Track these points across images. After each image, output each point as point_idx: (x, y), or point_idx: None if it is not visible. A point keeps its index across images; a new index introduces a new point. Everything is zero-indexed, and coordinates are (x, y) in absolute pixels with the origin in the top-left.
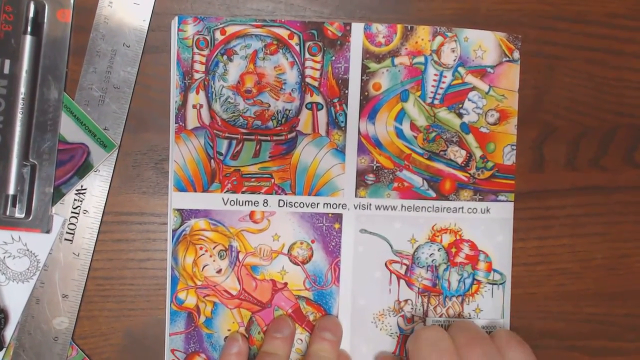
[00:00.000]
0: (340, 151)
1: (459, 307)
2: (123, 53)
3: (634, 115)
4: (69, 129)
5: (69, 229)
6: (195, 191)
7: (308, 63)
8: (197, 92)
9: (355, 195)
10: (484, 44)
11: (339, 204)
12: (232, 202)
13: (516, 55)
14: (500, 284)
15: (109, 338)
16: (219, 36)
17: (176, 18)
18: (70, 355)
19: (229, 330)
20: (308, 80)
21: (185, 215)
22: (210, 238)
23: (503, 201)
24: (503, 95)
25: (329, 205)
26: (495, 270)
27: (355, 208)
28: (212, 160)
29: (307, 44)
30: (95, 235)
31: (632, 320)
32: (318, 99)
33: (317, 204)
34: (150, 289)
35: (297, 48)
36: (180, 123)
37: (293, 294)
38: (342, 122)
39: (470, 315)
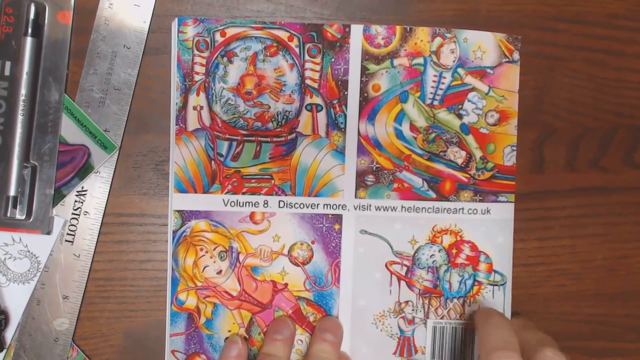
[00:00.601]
0: (340, 152)
1: (460, 308)
2: (123, 55)
3: (634, 116)
4: (69, 131)
5: (70, 230)
6: (196, 192)
7: (308, 65)
8: (198, 94)
9: (355, 196)
10: (483, 44)
11: (339, 205)
12: (233, 203)
13: (516, 56)
14: (501, 284)
15: (110, 339)
16: (219, 38)
17: (176, 20)
18: (70, 356)
19: (229, 331)
20: (308, 81)
21: (185, 216)
22: (210, 239)
23: (503, 202)
24: (503, 96)
25: (329, 206)
26: (495, 271)
27: (355, 209)
28: (213, 162)
29: (307, 45)
30: (96, 236)
31: (632, 321)
32: (318, 100)
33: (317, 204)
34: (150, 290)
35: (297, 50)
36: (181, 124)
37: (293, 295)
38: (341, 123)
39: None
